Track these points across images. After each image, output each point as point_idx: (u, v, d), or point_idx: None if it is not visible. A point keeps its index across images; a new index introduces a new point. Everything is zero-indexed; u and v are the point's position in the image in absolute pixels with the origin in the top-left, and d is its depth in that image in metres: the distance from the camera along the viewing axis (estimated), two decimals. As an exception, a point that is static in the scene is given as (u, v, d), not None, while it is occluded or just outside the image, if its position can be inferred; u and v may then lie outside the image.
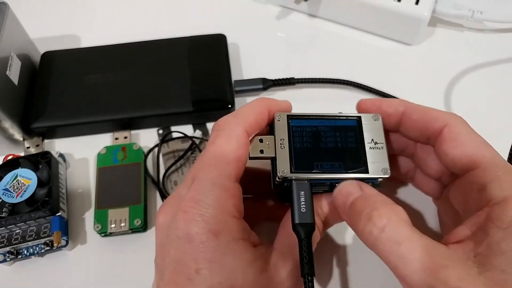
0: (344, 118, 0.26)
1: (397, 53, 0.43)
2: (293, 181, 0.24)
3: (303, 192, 0.24)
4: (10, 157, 0.34)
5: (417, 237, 0.20)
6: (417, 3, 0.40)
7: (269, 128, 0.27)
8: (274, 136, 0.25)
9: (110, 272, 0.32)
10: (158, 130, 0.38)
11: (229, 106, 0.37)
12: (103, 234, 0.32)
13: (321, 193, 0.26)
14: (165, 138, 0.37)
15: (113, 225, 0.32)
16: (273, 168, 0.25)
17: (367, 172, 0.25)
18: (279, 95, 0.40)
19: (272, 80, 0.39)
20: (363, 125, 0.26)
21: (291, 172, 0.24)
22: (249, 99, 0.40)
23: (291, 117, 0.26)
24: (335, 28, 0.44)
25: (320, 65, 0.42)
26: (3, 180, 0.31)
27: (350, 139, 0.25)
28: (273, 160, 0.25)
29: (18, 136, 0.36)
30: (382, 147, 0.25)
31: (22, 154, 0.36)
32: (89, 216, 0.34)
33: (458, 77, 0.41)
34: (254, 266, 0.23)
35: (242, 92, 0.39)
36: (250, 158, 0.25)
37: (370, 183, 0.25)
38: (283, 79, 0.39)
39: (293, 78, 0.39)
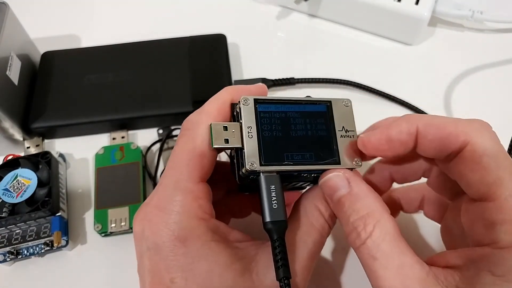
0: (313, 102, 0.24)
1: (397, 53, 0.43)
2: (262, 174, 0.22)
3: (273, 186, 0.22)
4: (10, 157, 0.34)
5: (396, 254, 0.20)
6: (417, 3, 0.40)
7: (232, 114, 0.24)
8: (241, 122, 0.22)
9: (110, 272, 0.32)
10: (158, 130, 0.38)
11: (229, 106, 0.37)
12: (103, 234, 0.32)
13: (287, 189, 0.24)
14: (169, 135, 0.37)
15: (113, 225, 0.32)
16: (238, 159, 0.23)
17: (338, 163, 0.23)
18: (279, 95, 0.40)
19: (272, 80, 0.39)
20: (334, 111, 0.24)
21: (260, 164, 0.22)
22: (249, 99, 0.40)
23: (259, 101, 0.23)
24: (335, 28, 0.44)
25: (320, 65, 0.42)
26: (3, 180, 0.31)
27: (320, 126, 0.23)
28: (239, 150, 0.22)
29: (18, 136, 0.36)
30: (353, 135, 0.24)
31: (22, 154, 0.36)
32: (89, 216, 0.34)
33: (458, 77, 0.41)
34: (232, 269, 0.22)
35: (242, 92, 0.39)
36: (214, 149, 0.22)
37: None
38: (283, 79, 0.39)
39: (293, 78, 0.39)
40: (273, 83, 0.39)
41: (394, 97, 0.39)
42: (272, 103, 0.23)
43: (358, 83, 0.39)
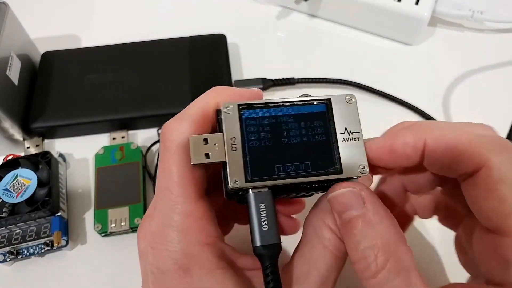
0: (309, 102, 0.21)
1: (397, 53, 0.43)
2: (250, 191, 0.19)
3: (263, 204, 0.19)
4: (10, 157, 0.34)
5: None
6: (417, 3, 0.40)
7: (217, 121, 0.21)
8: (223, 133, 0.20)
9: (110, 272, 0.32)
10: (158, 130, 0.38)
11: (229, 106, 0.37)
12: (103, 234, 0.32)
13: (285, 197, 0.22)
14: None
15: (113, 225, 0.32)
16: (224, 175, 0.20)
17: (341, 172, 0.20)
18: (279, 95, 0.40)
19: (272, 80, 0.39)
20: (334, 110, 0.21)
21: (246, 181, 0.19)
22: (249, 99, 0.40)
23: (243, 107, 0.20)
24: (335, 28, 0.44)
25: (320, 65, 0.42)
26: (3, 180, 0.31)
27: (318, 130, 0.20)
28: (224, 165, 0.20)
29: (18, 136, 0.36)
30: (358, 138, 0.20)
31: (22, 154, 0.36)
32: (89, 216, 0.34)
33: (458, 77, 0.41)
34: None
35: (242, 92, 0.39)
36: (193, 165, 0.20)
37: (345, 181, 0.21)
38: (283, 79, 0.39)
39: (293, 78, 0.39)
40: (273, 83, 0.39)
41: (394, 97, 0.39)
42: (259, 107, 0.20)
43: (358, 83, 0.39)
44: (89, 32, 0.45)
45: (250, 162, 0.19)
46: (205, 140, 0.20)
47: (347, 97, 0.21)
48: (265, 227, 0.19)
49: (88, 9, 0.47)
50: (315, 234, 0.21)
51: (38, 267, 0.32)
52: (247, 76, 0.41)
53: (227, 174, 0.19)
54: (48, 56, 0.40)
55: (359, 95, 0.40)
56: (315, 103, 0.21)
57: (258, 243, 0.19)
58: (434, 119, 0.38)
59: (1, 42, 0.34)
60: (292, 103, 0.21)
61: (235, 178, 0.19)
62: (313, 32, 0.45)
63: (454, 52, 0.42)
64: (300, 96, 0.21)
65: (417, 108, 0.38)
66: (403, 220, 0.27)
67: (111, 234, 0.32)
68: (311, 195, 0.24)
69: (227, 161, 0.19)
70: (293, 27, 0.45)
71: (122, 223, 0.32)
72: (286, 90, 0.40)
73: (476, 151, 0.18)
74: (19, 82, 0.36)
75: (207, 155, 0.19)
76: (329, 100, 0.21)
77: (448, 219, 0.25)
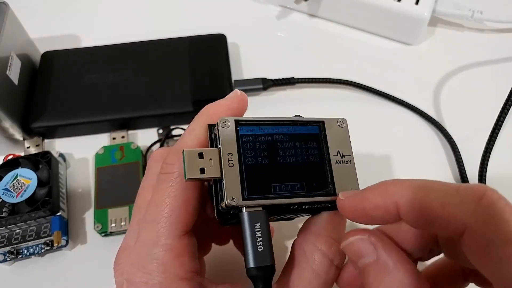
0: (303, 123, 0.21)
1: (397, 53, 0.43)
2: (244, 210, 0.19)
3: (258, 224, 0.19)
4: (10, 157, 0.34)
5: None
6: (417, 3, 0.40)
7: (209, 137, 0.21)
8: (220, 149, 0.19)
9: (110, 272, 0.32)
10: (158, 130, 0.38)
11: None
12: (103, 234, 0.32)
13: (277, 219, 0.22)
14: (169, 135, 0.37)
15: (113, 225, 0.32)
16: (216, 192, 0.19)
17: (334, 194, 0.20)
18: (279, 95, 0.40)
19: (272, 80, 0.39)
20: (327, 133, 0.21)
21: (243, 199, 0.18)
22: (249, 99, 0.40)
23: (240, 123, 0.20)
24: (335, 28, 0.44)
25: (320, 65, 0.42)
26: (3, 180, 0.31)
27: (312, 151, 0.21)
28: (218, 181, 0.19)
29: (18, 136, 0.36)
30: (349, 161, 0.21)
31: (22, 154, 0.36)
32: (89, 216, 0.34)
33: (458, 77, 0.41)
34: None
35: (242, 92, 0.39)
36: (187, 180, 0.19)
37: (333, 205, 0.21)
38: (283, 79, 0.39)
39: (293, 78, 0.39)
40: (273, 83, 0.39)
41: (394, 97, 0.39)
42: (256, 124, 0.20)
43: (358, 83, 0.39)
44: (89, 32, 0.45)
45: (247, 180, 0.19)
46: (200, 154, 0.19)
47: (339, 121, 0.21)
48: (260, 248, 0.18)
49: (88, 9, 0.47)
50: (305, 257, 0.20)
51: (38, 267, 0.32)
52: (247, 76, 0.41)
53: (223, 191, 0.19)
54: (48, 56, 0.40)
55: (359, 95, 0.40)
56: (308, 124, 0.21)
57: (251, 265, 0.18)
58: (434, 119, 0.38)
59: (1, 42, 0.34)
60: (287, 122, 0.21)
61: (232, 195, 0.18)
62: (313, 32, 0.45)
63: (454, 52, 0.42)
64: (293, 117, 0.21)
65: (417, 108, 0.38)
66: None
67: (111, 234, 0.32)
68: (293, 218, 0.24)
69: (223, 177, 0.19)
70: (293, 27, 0.45)
71: (122, 223, 0.32)
72: (286, 90, 0.40)
73: (453, 215, 0.16)
74: (19, 82, 0.36)
75: (202, 170, 0.19)
76: (322, 122, 0.21)
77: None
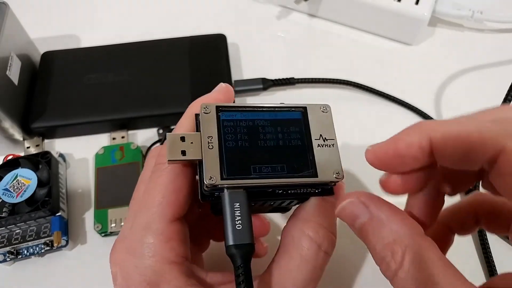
0: (286, 109, 0.22)
1: (397, 53, 0.43)
2: (225, 190, 0.19)
3: (238, 204, 0.19)
4: (10, 157, 0.34)
5: (440, 284, 0.16)
6: (417, 3, 0.40)
7: (196, 125, 0.22)
8: (200, 132, 0.20)
9: (110, 272, 0.32)
10: (158, 130, 0.38)
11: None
12: (103, 234, 0.32)
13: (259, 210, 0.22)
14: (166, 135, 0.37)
15: (113, 225, 0.32)
16: (200, 176, 0.20)
17: (315, 175, 0.20)
18: (279, 95, 0.40)
19: (272, 80, 0.39)
20: (310, 118, 0.21)
21: (222, 178, 0.19)
22: (249, 99, 0.40)
23: (222, 109, 0.21)
24: (335, 28, 0.44)
25: (320, 65, 0.42)
26: (3, 180, 0.31)
27: (294, 135, 0.21)
28: (200, 163, 0.20)
29: (18, 136, 0.36)
30: (333, 144, 0.21)
31: (22, 154, 0.36)
32: (89, 216, 0.34)
33: (458, 77, 0.41)
34: None
35: (242, 92, 0.39)
36: (169, 162, 0.20)
37: (320, 189, 0.21)
38: (283, 79, 0.39)
39: (293, 78, 0.39)
40: (273, 83, 0.39)
41: (394, 97, 0.39)
42: (237, 110, 0.21)
43: (358, 83, 0.39)
44: (89, 32, 0.45)
45: (226, 160, 0.20)
46: (182, 138, 0.20)
47: (322, 107, 0.22)
48: (239, 227, 0.19)
49: (88, 9, 0.47)
50: (293, 244, 0.21)
51: (38, 267, 0.32)
52: (247, 76, 0.41)
53: (202, 171, 0.19)
54: (48, 56, 0.40)
55: (359, 95, 0.40)
56: (291, 110, 0.22)
57: (230, 242, 0.19)
58: (434, 119, 0.38)
59: (1, 42, 0.34)
60: (269, 109, 0.21)
61: (210, 174, 0.19)
62: (313, 32, 0.45)
63: (454, 52, 0.42)
64: (278, 104, 0.22)
65: (417, 108, 0.38)
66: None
67: (111, 234, 0.32)
68: (288, 209, 0.24)
69: (203, 158, 0.19)
70: (293, 27, 0.45)
71: (122, 223, 0.32)
72: (286, 90, 0.40)
73: (488, 139, 0.16)
74: (19, 82, 0.36)
75: (183, 152, 0.20)
76: (304, 108, 0.22)
77: (497, 224, 0.23)
